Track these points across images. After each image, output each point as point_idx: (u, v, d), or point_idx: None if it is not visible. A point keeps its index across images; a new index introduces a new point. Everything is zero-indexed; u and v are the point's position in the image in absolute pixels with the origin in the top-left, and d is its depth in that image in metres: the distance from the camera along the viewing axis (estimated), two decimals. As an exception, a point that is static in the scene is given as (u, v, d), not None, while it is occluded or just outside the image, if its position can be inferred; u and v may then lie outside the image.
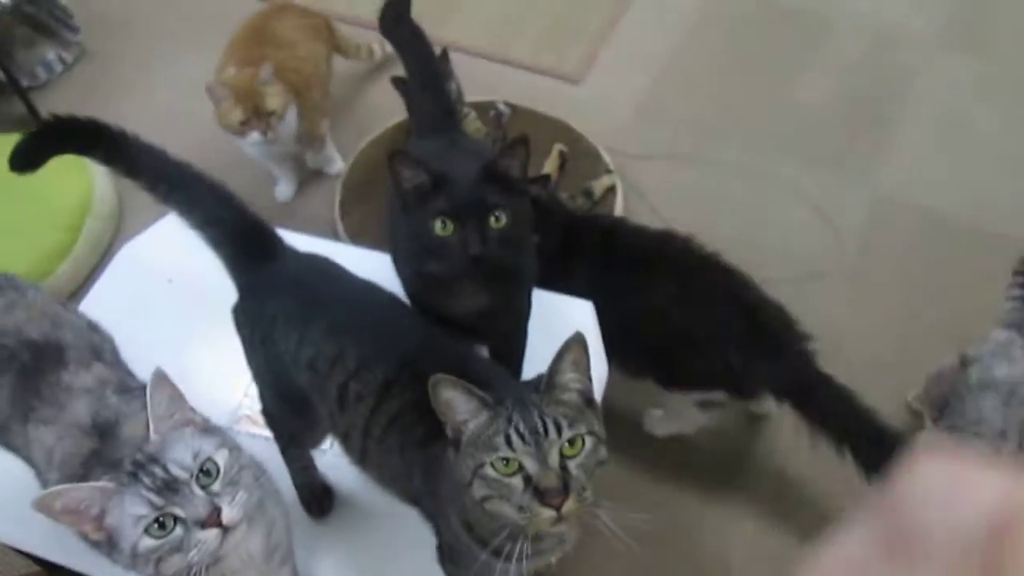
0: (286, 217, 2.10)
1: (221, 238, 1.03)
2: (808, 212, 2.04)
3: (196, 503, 0.76)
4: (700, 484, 1.63)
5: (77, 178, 2.14)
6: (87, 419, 0.90)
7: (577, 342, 0.80)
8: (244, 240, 1.03)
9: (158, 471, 0.76)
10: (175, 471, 0.76)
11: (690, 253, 1.46)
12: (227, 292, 1.41)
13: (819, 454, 1.38)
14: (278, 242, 1.06)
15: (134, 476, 0.76)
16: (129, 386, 0.99)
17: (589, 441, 0.78)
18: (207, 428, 0.82)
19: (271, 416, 1.13)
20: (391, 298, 1.04)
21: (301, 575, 1.04)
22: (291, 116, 1.96)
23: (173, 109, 2.42)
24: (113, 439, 0.87)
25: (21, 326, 1.02)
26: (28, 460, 0.97)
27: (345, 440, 0.99)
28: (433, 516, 0.95)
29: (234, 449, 0.81)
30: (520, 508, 0.76)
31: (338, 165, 2.22)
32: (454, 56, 1.98)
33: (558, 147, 2.07)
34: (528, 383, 0.83)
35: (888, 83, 2.35)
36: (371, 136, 2.20)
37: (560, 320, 1.32)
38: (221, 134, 2.11)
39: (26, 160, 1.01)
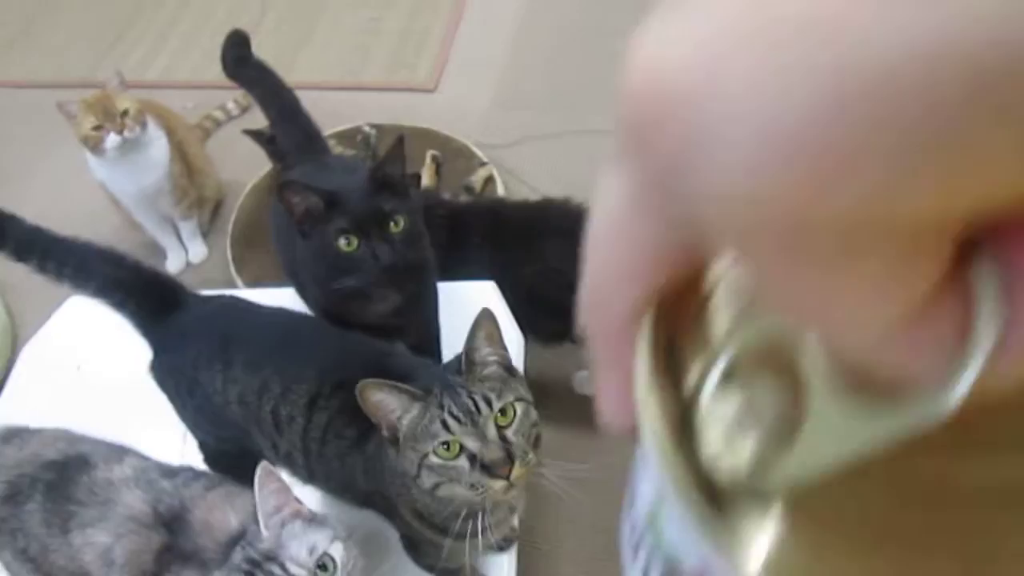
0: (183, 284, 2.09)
1: (122, 300, 1.04)
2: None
3: None
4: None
5: (-40, 301, 2.09)
6: (147, 509, 0.84)
7: (485, 317, 0.85)
8: (146, 296, 1.04)
9: (276, 570, 0.73)
10: (293, 570, 0.74)
11: (571, 211, 1.53)
12: (139, 359, 1.42)
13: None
14: (181, 291, 1.08)
15: (250, 575, 0.73)
16: (173, 470, 0.95)
17: (519, 407, 0.82)
18: (315, 519, 0.80)
19: (216, 463, 1.14)
20: (301, 317, 1.07)
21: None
22: (159, 137, 1.97)
23: (44, 215, 2.38)
24: (186, 529, 0.82)
25: (37, 452, 0.97)
26: (78, 574, 0.91)
27: (288, 462, 1.02)
28: (388, 514, 0.99)
29: (347, 542, 0.80)
30: (472, 486, 0.80)
31: (202, 252, 2.22)
32: (310, 95, 2.01)
33: (431, 153, 2.12)
34: (448, 366, 0.87)
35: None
36: (247, 187, 2.21)
37: (466, 304, 1.36)
38: (97, 226, 2.09)
39: None
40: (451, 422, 0.79)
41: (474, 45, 2.59)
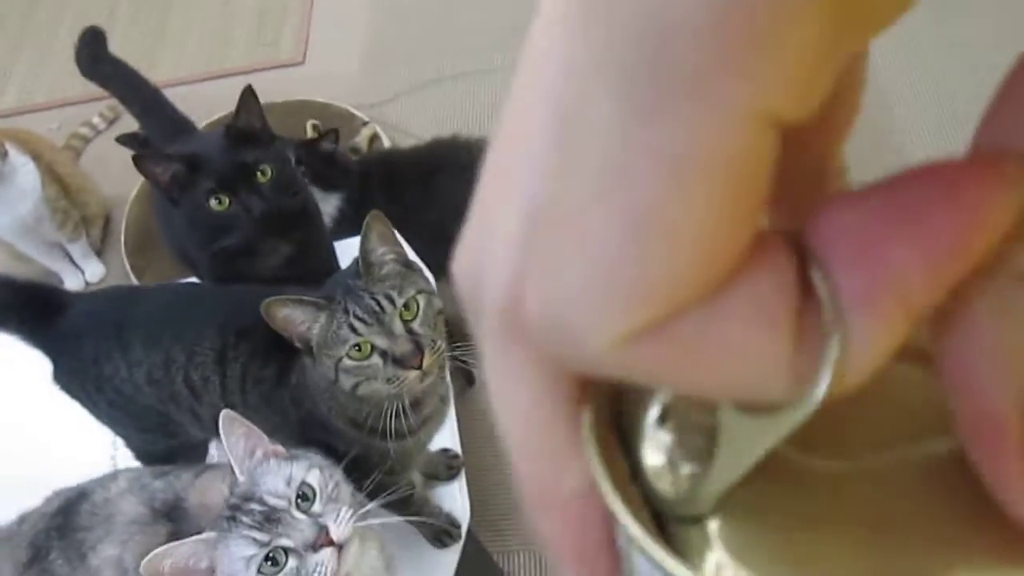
0: (86, 306, 2.04)
1: (3, 318, 1.02)
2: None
3: (301, 528, 0.73)
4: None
5: None
6: (144, 510, 0.84)
7: (375, 218, 0.86)
8: (27, 308, 1.02)
9: (256, 507, 0.73)
10: (272, 502, 0.73)
11: (459, 146, 1.54)
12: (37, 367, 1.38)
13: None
14: (62, 294, 1.06)
15: (232, 519, 0.73)
16: (164, 470, 0.94)
17: (421, 299, 0.84)
18: (291, 455, 0.79)
19: (146, 454, 1.13)
20: (187, 285, 1.06)
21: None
22: (24, 163, 1.90)
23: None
24: (185, 515, 0.82)
25: (43, 511, 0.95)
26: None
27: (215, 425, 1.01)
28: (327, 436, 0.98)
29: (325, 468, 0.79)
30: (388, 380, 0.82)
31: (99, 270, 2.17)
32: (177, 91, 1.97)
33: (311, 123, 2.10)
34: (347, 272, 0.88)
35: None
36: (131, 195, 2.15)
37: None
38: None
39: None
40: (358, 324, 0.81)
41: (334, 11, 2.55)
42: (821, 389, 0.15)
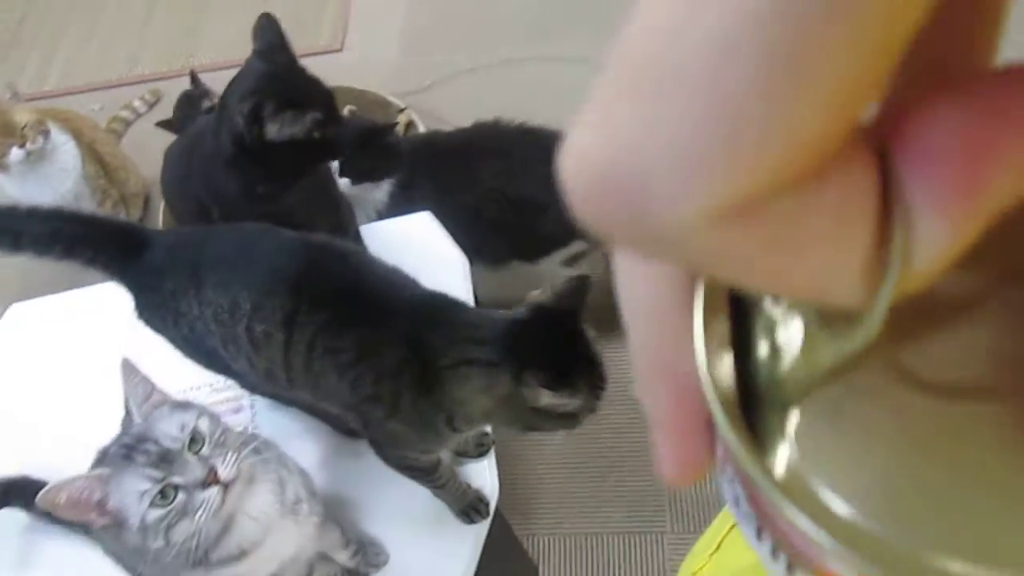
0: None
1: (91, 256, 1.02)
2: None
3: (192, 467, 0.80)
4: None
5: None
6: (143, 478, 0.82)
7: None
8: (112, 245, 1.03)
9: (151, 447, 0.80)
10: (166, 443, 0.80)
11: (500, 131, 1.55)
12: (88, 355, 1.41)
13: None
14: (144, 231, 1.07)
15: (127, 457, 0.79)
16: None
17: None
18: (182, 404, 0.86)
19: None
20: (260, 229, 1.06)
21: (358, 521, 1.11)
22: (65, 141, 1.94)
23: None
24: (176, 457, 0.83)
25: None
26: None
27: (269, 377, 1.03)
28: (381, 417, 0.98)
29: (213, 417, 0.86)
30: None
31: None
32: (218, 75, 1.99)
33: (347, 109, 2.11)
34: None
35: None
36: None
37: (406, 238, 1.38)
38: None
39: None
40: None
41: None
42: (888, 288, 0.15)
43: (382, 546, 1.11)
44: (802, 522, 0.17)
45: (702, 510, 1.51)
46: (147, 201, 2.27)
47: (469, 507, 1.08)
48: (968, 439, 0.17)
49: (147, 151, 2.29)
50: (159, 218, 2.09)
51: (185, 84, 1.89)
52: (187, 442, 0.81)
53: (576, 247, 1.57)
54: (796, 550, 0.18)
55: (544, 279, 1.71)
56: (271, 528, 0.89)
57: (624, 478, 1.57)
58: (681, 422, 0.20)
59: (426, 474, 1.02)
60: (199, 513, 0.80)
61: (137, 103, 2.43)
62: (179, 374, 1.02)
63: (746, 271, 0.16)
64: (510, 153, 1.51)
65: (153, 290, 1.03)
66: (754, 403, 0.19)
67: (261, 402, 1.10)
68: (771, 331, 0.19)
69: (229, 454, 0.83)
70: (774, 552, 0.19)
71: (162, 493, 0.79)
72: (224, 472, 0.81)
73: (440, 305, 0.95)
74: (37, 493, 1.21)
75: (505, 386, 0.86)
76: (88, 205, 2.04)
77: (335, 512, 1.06)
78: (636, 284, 0.20)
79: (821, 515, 0.17)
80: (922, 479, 0.17)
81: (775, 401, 0.18)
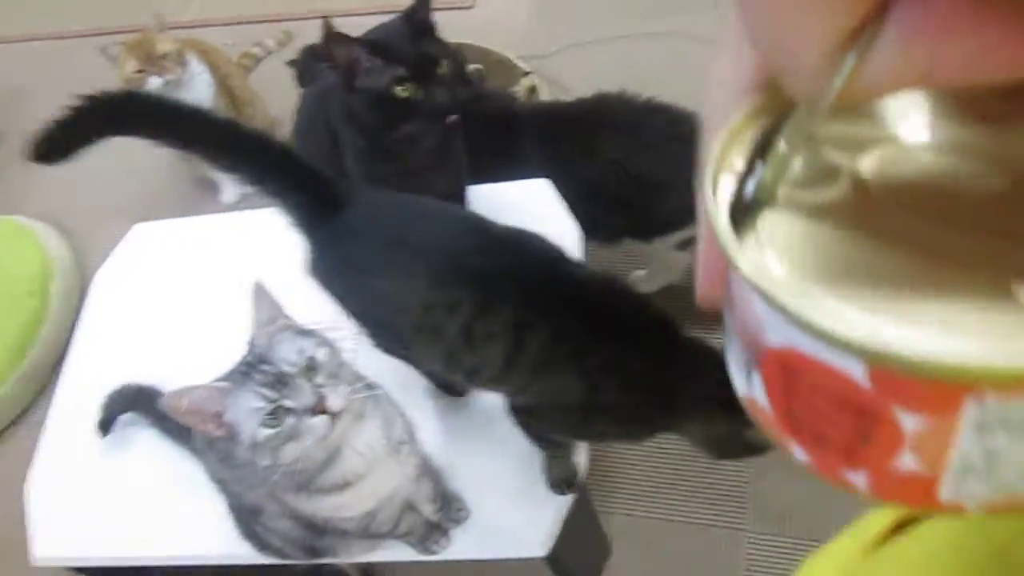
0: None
1: (292, 200, 0.98)
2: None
3: (304, 393, 0.82)
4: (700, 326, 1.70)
5: (27, 248, 2.15)
6: (257, 397, 0.84)
7: None
8: (311, 192, 0.97)
9: (268, 368, 0.82)
10: (283, 367, 0.82)
11: (627, 104, 1.51)
12: (206, 279, 1.46)
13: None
14: (346, 190, 1.01)
15: (246, 375, 0.82)
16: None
17: None
18: (305, 331, 0.88)
19: (384, 349, 1.11)
20: (468, 217, 1.02)
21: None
22: (201, 72, 1.99)
23: (96, 153, 2.43)
24: (290, 381, 0.84)
25: None
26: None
27: (472, 375, 0.99)
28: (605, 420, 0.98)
29: (332, 348, 0.87)
30: None
31: None
32: (352, 21, 2.01)
33: (473, 67, 2.11)
34: None
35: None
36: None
37: (522, 204, 1.37)
38: (152, 160, 2.12)
39: (53, 149, 0.91)
40: None
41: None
42: (842, 76, 0.18)
43: (464, 503, 1.12)
44: (753, 292, 0.20)
45: (785, 513, 1.48)
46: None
47: (565, 480, 1.08)
48: (885, 234, 0.21)
49: (274, 90, 2.34)
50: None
51: (317, 27, 1.91)
52: (303, 368, 0.83)
53: (692, 230, 1.53)
54: (750, 336, 0.21)
55: (652, 257, 1.69)
56: (375, 464, 0.91)
57: (707, 471, 1.54)
58: (709, 248, 0.24)
59: (558, 447, 1.02)
60: (306, 438, 0.82)
61: (269, 41, 2.47)
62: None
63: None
64: (637, 127, 1.48)
65: (338, 251, 0.99)
66: (744, 213, 0.22)
67: (366, 346, 1.11)
68: (764, 155, 0.23)
69: (341, 387, 0.85)
70: (746, 366, 0.23)
71: (273, 414, 0.81)
72: (333, 402, 0.83)
73: (675, 330, 0.96)
74: (154, 399, 1.28)
75: (735, 424, 0.89)
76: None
77: (427, 465, 1.07)
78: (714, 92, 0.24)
79: (770, 285, 0.20)
80: (845, 254, 0.21)
81: (758, 206, 0.22)
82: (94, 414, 1.29)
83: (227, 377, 0.84)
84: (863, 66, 0.18)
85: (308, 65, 1.91)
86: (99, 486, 1.27)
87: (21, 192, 2.47)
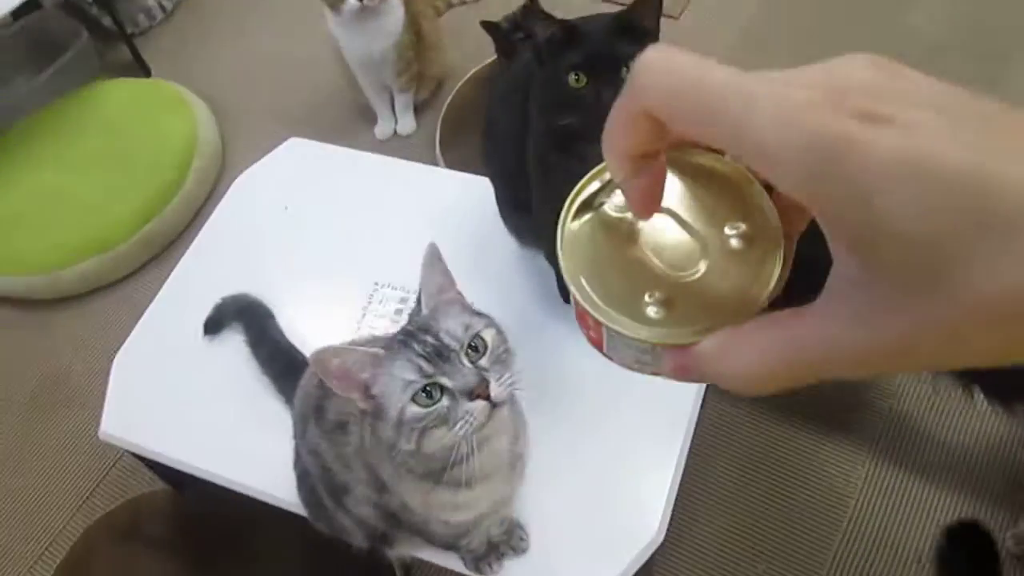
0: (387, 153, 2.13)
1: None
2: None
3: (465, 374, 0.73)
4: (817, 420, 1.60)
5: (182, 121, 2.19)
6: (413, 369, 0.77)
7: None
8: None
9: (429, 339, 0.74)
10: (446, 340, 0.73)
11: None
12: (351, 210, 1.43)
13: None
14: None
15: (404, 344, 0.74)
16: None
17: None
18: (475, 310, 0.79)
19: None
20: None
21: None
22: (396, 6, 1.99)
23: (270, 53, 2.45)
24: (451, 356, 0.76)
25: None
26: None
27: None
28: None
29: (501, 332, 0.78)
30: None
31: (411, 126, 2.24)
32: (557, 3, 1.96)
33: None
34: None
35: (1010, 14, 2.24)
36: (469, 73, 2.19)
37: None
38: (318, 75, 2.12)
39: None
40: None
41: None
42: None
43: (527, 534, 1.07)
44: (577, 291, 0.34)
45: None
46: (439, 87, 2.29)
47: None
48: (620, 249, 0.35)
49: (459, 40, 2.31)
50: (442, 108, 2.11)
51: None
52: (466, 344, 0.74)
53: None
54: (584, 322, 0.35)
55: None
56: (499, 468, 0.84)
57: (784, 541, 1.46)
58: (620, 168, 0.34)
59: None
60: (460, 425, 0.73)
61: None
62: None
63: None
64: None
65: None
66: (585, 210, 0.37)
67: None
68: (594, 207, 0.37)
69: (506, 374, 0.75)
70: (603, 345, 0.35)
71: (427, 392, 0.72)
72: (496, 390, 0.73)
73: None
74: (261, 320, 1.25)
75: None
76: (388, 71, 2.08)
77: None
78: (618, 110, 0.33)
79: (580, 287, 0.34)
80: (603, 269, 0.35)
81: (588, 209, 0.37)
82: (198, 312, 1.28)
83: (384, 344, 0.76)
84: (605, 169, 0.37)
85: (507, 34, 1.87)
86: (181, 385, 1.26)
87: (193, 64, 2.51)
